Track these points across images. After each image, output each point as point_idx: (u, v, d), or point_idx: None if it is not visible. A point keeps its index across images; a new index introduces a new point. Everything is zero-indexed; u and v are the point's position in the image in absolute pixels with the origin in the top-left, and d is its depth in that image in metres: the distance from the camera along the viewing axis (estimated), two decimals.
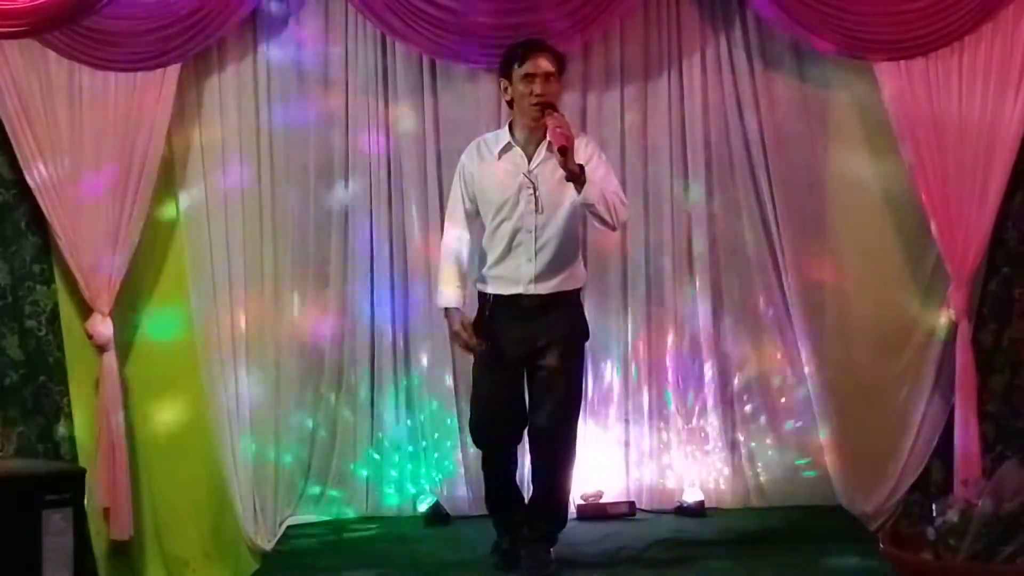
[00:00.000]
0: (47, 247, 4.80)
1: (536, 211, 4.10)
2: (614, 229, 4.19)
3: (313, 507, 5.09)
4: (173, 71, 4.79)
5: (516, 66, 4.13)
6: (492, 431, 4.24)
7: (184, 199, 4.98)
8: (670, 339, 5.13)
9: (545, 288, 4.12)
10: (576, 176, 3.93)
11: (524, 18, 4.86)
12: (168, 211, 4.99)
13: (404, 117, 5.07)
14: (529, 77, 4.10)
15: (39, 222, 4.76)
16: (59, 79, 4.71)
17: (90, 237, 4.72)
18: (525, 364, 4.18)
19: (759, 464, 5.14)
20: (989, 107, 4.79)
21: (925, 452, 5.01)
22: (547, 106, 4.07)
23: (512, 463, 4.35)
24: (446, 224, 4.37)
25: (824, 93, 5.09)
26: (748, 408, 5.14)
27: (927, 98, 4.82)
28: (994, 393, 4.93)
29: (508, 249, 4.14)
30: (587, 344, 4.41)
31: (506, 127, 4.27)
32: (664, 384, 5.15)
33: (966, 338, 4.85)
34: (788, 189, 5.05)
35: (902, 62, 4.82)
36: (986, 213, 4.80)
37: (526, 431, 4.26)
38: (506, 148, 4.20)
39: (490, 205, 4.19)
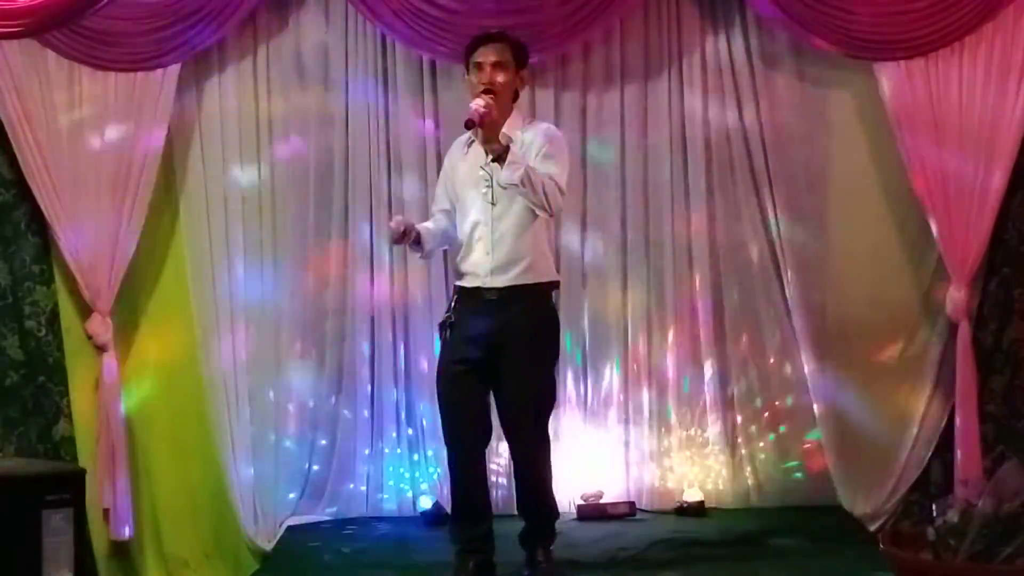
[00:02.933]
0: (47, 247, 4.79)
1: (491, 203, 4.09)
2: (549, 214, 4.09)
3: (313, 507, 5.09)
4: (173, 71, 4.79)
5: (470, 56, 4.16)
6: (456, 427, 4.19)
7: (184, 199, 4.98)
8: (670, 339, 5.14)
9: (502, 280, 4.08)
10: (497, 155, 3.91)
11: (524, 18, 4.86)
12: (168, 211, 4.98)
13: (404, 117, 5.07)
14: (479, 65, 4.12)
15: (39, 222, 4.76)
16: (59, 79, 4.71)
17: (90, 237, 4.72)
18: (490, 359, 4.11)
19: (759, 464, 5.14)
20: (989, 107, 4.79)
21: (925, 452, 5.01)
22: (490, 93, 4.04)
23: (481, 462, 4.23)
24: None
25: (824, 93, 5.10)
26: (748, 408, 5.14)
27: (927, 98, 4.82)
28: (994, 393, 4.92)
29: (470, 242, 4.14)
30: (558, 340, 4.33)
31: None
32: (664, 384, 5.15)
33: (966, 338, 4.85)
34: (788, 189, 5.05)
35: (902, 62, 4.82)
36: (986, 213, 4.80)
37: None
38: (471, 142, 4.19)
39: (458, 200, 4.22)
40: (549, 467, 4.27)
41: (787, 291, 5.06)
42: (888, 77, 4.84)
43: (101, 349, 4.77)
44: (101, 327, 4.75)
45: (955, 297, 4.85)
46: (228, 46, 4.98)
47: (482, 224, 4.11)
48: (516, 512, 4.34)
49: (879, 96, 4.88)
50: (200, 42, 4.80)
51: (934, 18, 4.79)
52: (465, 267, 4.17)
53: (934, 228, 4.85)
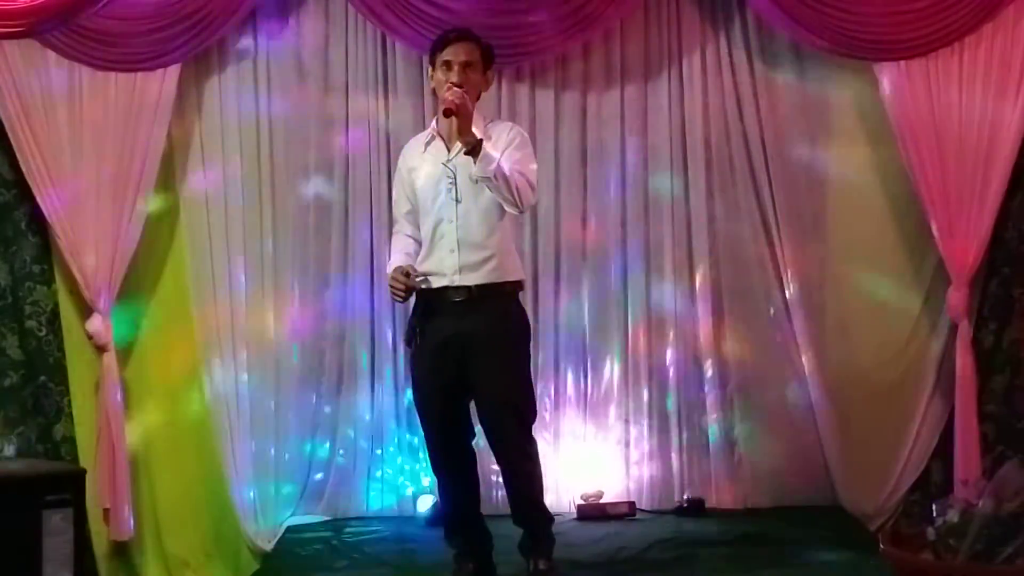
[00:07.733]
0: (47, 247, 4.79)
1: (456, 200, 3.98)
2: (520, 211, 4.01)
3: (313, 507, 5.09)
4: (173, 71, 4.79)
5: (438, 54, 4.05)
6: (441, 441, 4.08)
7: (184, 199, 4.98)
8: (670, 339, 5.14)
9: (471, 279, 3.97)
10: (472, 148, 3.82)
11: (524, 18, 4.87)
12: (168, 211, 4.98)
13: (404, 117, 5.07)
14: (447, 64, 4.01)
15: (39, 222, 4.76)
16: (59, 79, 4.70)
17: (90, 237, 4.72)
18: (463, 364, 3.99)
19: (759, 464, 5.14)
20: (989, 107, 4.79)
21: (925, 452, 5.01)
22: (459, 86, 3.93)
23: (469, 470, 4.14)
24: (394, 228, 4.25)
25: (824, 93, 5.10)
26: (748, 408, 5.14)
27: (927, 98, 4.82)
28: (994, 393, 4.93)
29: (433, 242, 4.02)
30: (530, 341, 4.21)
31: (434, 120, 4.18)
32: (664, 384, 5.15)
33: (966, 338, 4.85)
34: (788, 189, 5.06)
35: (902, 62, 4.83)
36: (986, 213, 4.81)
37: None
38: (430, 140, 4.11)
39: (418, 200, 4.10)
40: (539, 472, 4.14)
41: (786, 291, 5.06)
42: (888, 77, 4.84)
43: (101, 349, 4.78)
44: (101, 327, 4.75)
45: (955, 297, 4.86)
46: (228, 46, 4.98)
47: (446, 221, 3.99)
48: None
49: (879, 96, 4.88)
50: (200, 42, 4.80)
51: (934, 18, 4.79)
52: (427, 267, 4.01)
53: (934, 228, 4.85)
